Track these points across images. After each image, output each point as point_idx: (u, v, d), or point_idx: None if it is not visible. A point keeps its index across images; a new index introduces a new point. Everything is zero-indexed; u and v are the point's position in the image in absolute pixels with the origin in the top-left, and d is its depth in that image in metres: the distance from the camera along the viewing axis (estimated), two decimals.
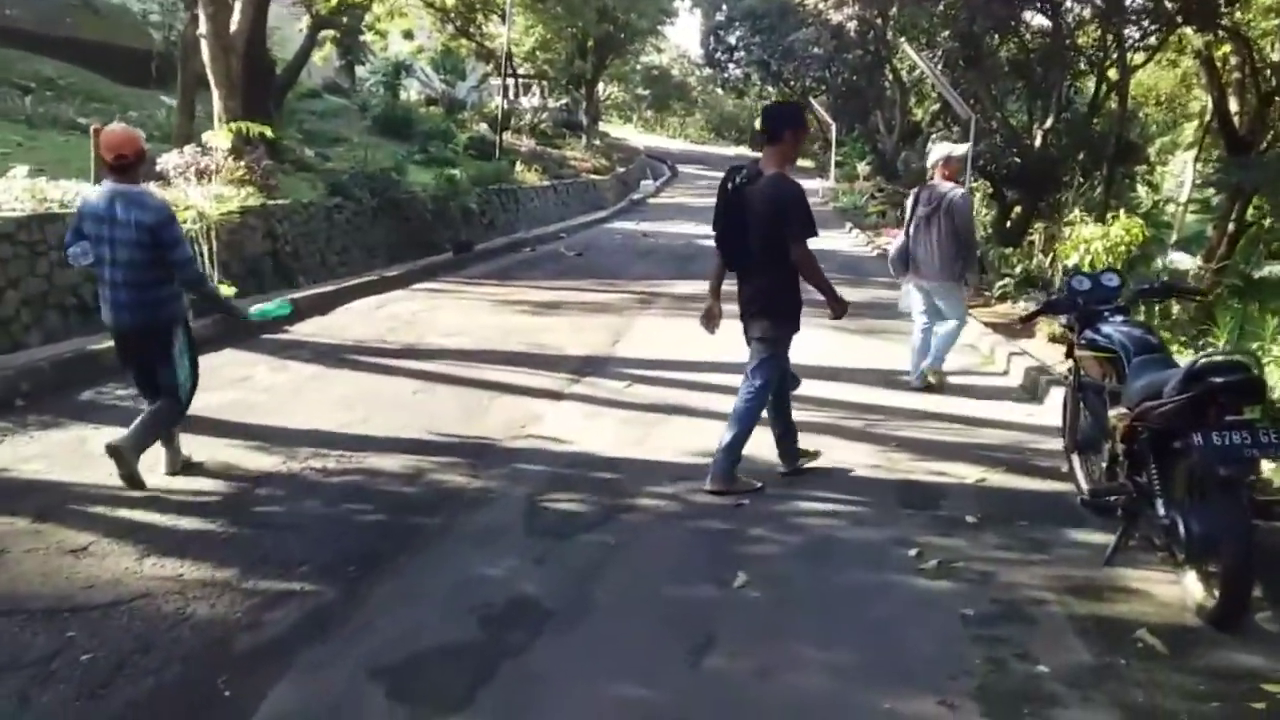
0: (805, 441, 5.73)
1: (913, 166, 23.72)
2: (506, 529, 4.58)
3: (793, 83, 39.16)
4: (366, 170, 15.73)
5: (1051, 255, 13.10)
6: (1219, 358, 4.33)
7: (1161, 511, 3.99)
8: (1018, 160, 15.42)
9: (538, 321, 10.14)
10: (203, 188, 11.71)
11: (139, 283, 4.85)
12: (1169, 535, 3.94)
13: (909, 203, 8.00)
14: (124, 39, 22.49)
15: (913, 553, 4.42)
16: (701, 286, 12.69)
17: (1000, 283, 13.61)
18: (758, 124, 5.41)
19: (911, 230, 7.80)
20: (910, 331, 8.26)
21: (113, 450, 4.73)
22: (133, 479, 4.78)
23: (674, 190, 37.10)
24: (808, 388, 7.48)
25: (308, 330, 9.18)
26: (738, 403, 5.44)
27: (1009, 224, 16.80)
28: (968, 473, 5.54)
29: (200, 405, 5.63)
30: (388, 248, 14.67)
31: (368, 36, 33.31)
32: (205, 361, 6.08)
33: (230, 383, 6.96)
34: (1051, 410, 6.91)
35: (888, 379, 8.03)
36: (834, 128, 36.67)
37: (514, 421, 6.24)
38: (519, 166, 23.74)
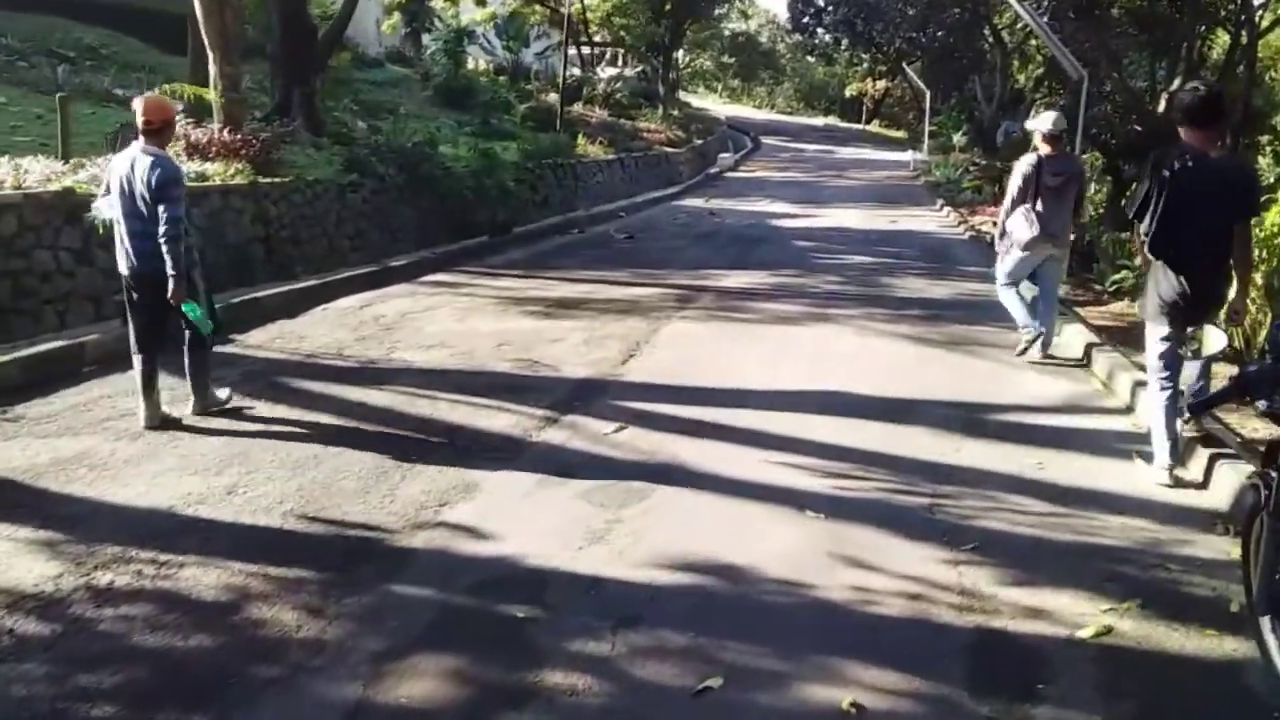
0: (833, 532, 3.88)
1: (1013, 136, 21.22)
2: None
3: (885, 47, 36.55)
4: (395, 143, 14.21)
5: None
6: None
7: None
8: (1138, 128, 13.05)
9: (545, 327, 8.42)
10: (193, 164, 10.34)
11: (150, 233, 5.22)
12: None
13: (1029, 172, 7.62)
14: (173, 5, 21.49)
15: None
16: (758, 278, 10.96)
17: (1115, 276, 11.37)
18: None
19: (1043, 199, 7.59)
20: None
21: (197, 409, 5.53)
22: (209, 408, 5.61)
23: (755, 163, 35.02)
24: (863, 434, 5.64)
25: (258, 340, 7.63)
26: None
27: (1125, 203, 14.45)
28: (1081, 611, 3.62)
29: (28, 460, 4.71)
30: (417, 230, 13.12)
31: (437, 2, 32.10)
32: (89, 392, 5.99)
33: (95, 423, 5.41)
34: (1201, 476, 4.93)
35: (973, 419, 6.10)
36: (928, 95, 34.02)
37: (430, 498, 4.52)
38: (582, 139, 22.08)
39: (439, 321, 8.50)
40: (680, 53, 46.22)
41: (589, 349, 7.66)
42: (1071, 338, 8.60)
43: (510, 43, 27.88)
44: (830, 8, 37.73)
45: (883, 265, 13.39)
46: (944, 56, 32.69)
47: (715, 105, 55.50)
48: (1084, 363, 7.81)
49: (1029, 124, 8.86)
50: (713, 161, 32.65)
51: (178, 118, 6.96)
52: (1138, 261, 11.49)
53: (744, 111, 57.74)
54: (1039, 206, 7.54)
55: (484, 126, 20.12)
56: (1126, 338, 9.07)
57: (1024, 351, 7.72)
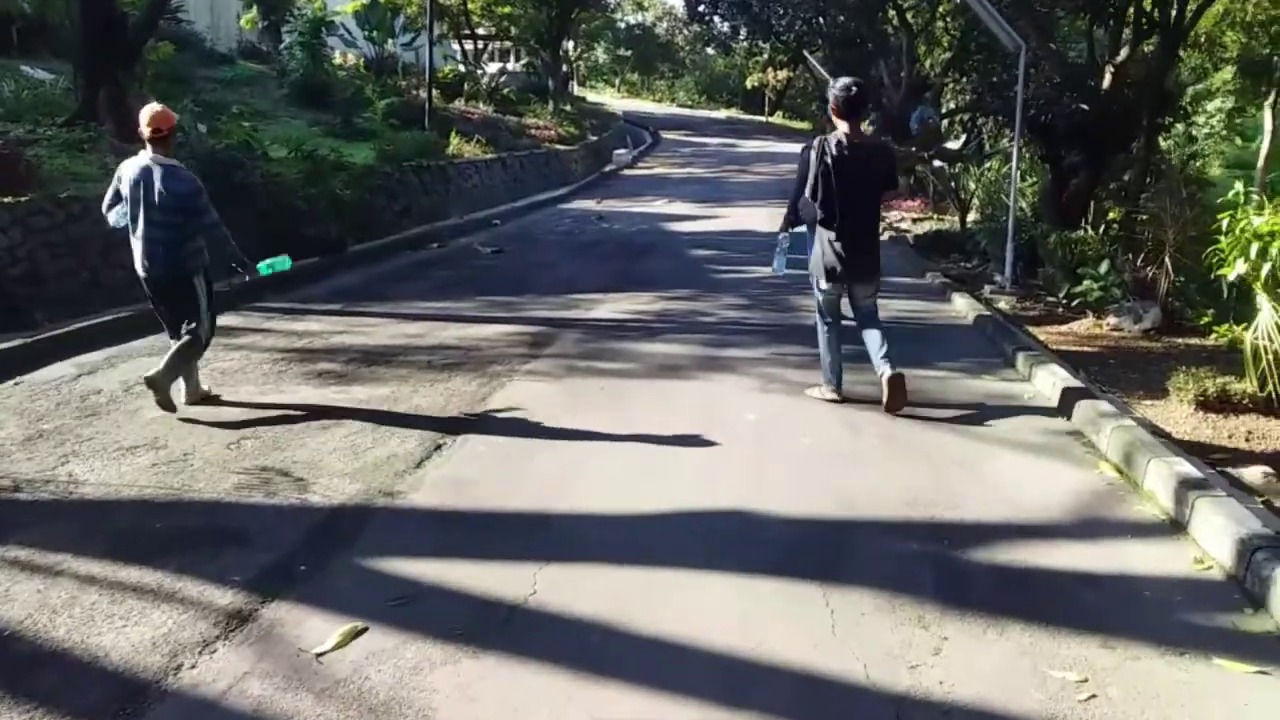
0: None
1: (929, 123, 19.31)
2: None
3: (783, 35, 34.54)
4: (200, 146, 11.55)
5: (1159, 258, 8.79)
6: None
7: None
8: (1083, 107, 11.04)
9: (325, 402, 5.94)
10: None
11: (169, 241, 5.49)
12: None
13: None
14: None
15: None
16: (639, 303, 8.46)
17: (1076, 286, 9.30)
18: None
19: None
20: None
21: (149, 381, 5.44)
22: (167, 404, 5.52)
23: (654, 159, 32.76)
24: (773, 622, 3.27)
25: None
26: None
27: (1065, 196, 12.47)
28: None
29: None
30: (242, 250, 10.44)
31: None
32: None
33: None
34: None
35: (945, 566, 3.84)
36: (831, 83, 32.16)
37: None
38: (455, 138, 19.60)
39: (173, 398, 5.93)
40: (571, 45, 43.76)
41: (374, 441, 5.20)
42: (1042, 381, 6.46)
43: (373, 34, 25.03)
44: None
45: (790, 278, 11.16)
46: (846, 42, 30.78)
47: (613, 100, 53.10)
48: (1059, 411, 5.66)
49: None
50: (608, 159, 30.35)
51: None
52: (1103, 269, 9.54)
53: (644, 106, 55.35)
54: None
55: (345, 126, 17.65)
56: (1112, 371, 6.96)
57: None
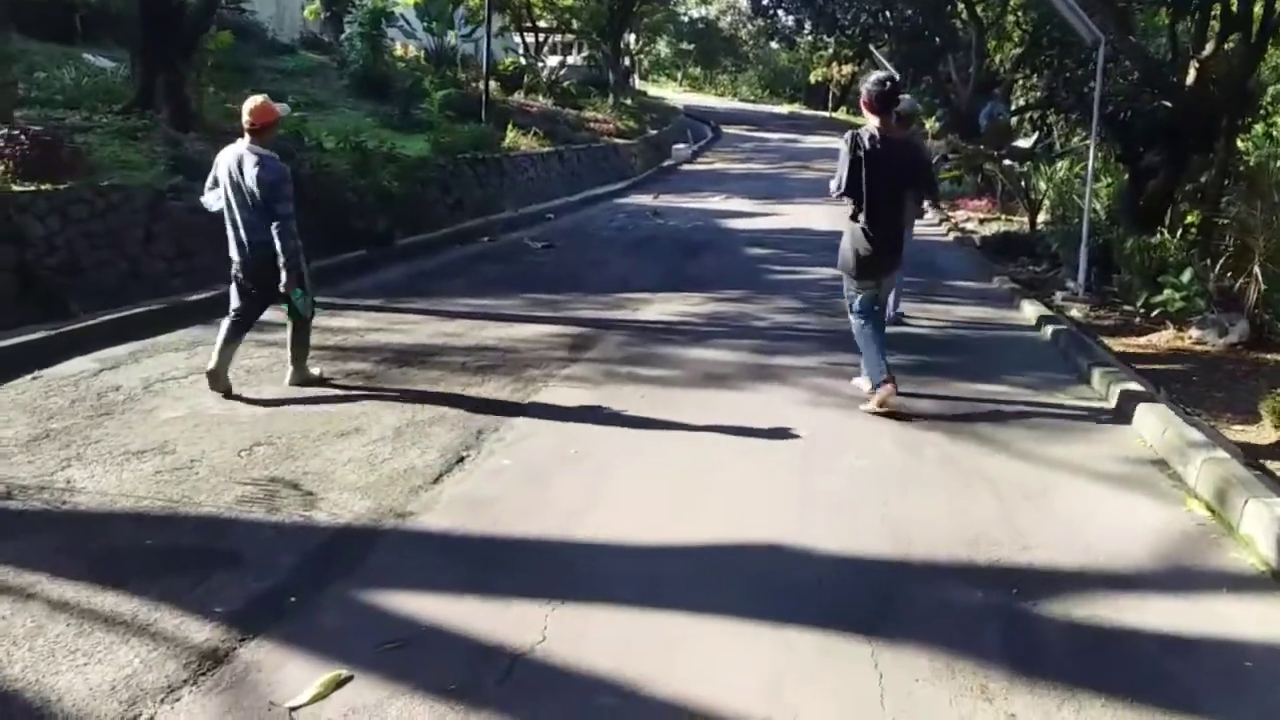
0: None
1: (1000, 120, 18.56)
2: None
3: (849, 29, 33.75)
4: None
5: (1246, 266, 8.15)
6: None
7: None
8: (1166, 105, 10.35)
9: (350, 405, 5.62)
10: None
11: (258, 226, 5.67)
12: None
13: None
14: None
15: None
16: (689, 305, 8.54)
17: (1156, 296, 8.68)
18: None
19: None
20: None
21: (294, 380, 5.98)
22: (308, 379, 6.03)
23: (713, 155, 32.25)
24: (817, 696, 2.83)
25: None
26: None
27: (1142, 198, 11.76)
28: None
29: None
30: None
31: None
32: None
33: None
34: None
35: (1020, 626, 3.37)
36: (898, 79, 31.39)
37: None
38: (512, 130, 19.34)
39: (192, 398, 5.67)
40: (632, 38, 43.36)
41: (393, 451, 4.86)
42: (1121, 401, 5.92)
43: (433, 25, 24.84)
44: None
45: None
46: (913, 37, 29.94)
47: (674, 94, 52.57)
48: (1140, 436, 5.12)
49: None
50: (668, 153, 29.92)
51: None
52: (1185, 277, 8.89)
53: (706, 100, 54.73)
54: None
55: (403, 117, 17.50)
56: (1196, 389, 6.39)
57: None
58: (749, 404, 5.93)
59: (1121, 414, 5.85)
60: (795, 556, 3.82)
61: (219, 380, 5.75)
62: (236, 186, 5.67)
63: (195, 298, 8.26)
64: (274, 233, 5.63)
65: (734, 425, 5.47)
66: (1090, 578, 3.72)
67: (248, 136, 5.68)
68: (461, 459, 4.81)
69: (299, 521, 4.02)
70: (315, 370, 6.18)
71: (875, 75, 6.06)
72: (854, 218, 5.83)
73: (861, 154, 5.65)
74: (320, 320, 7.75)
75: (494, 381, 6.19)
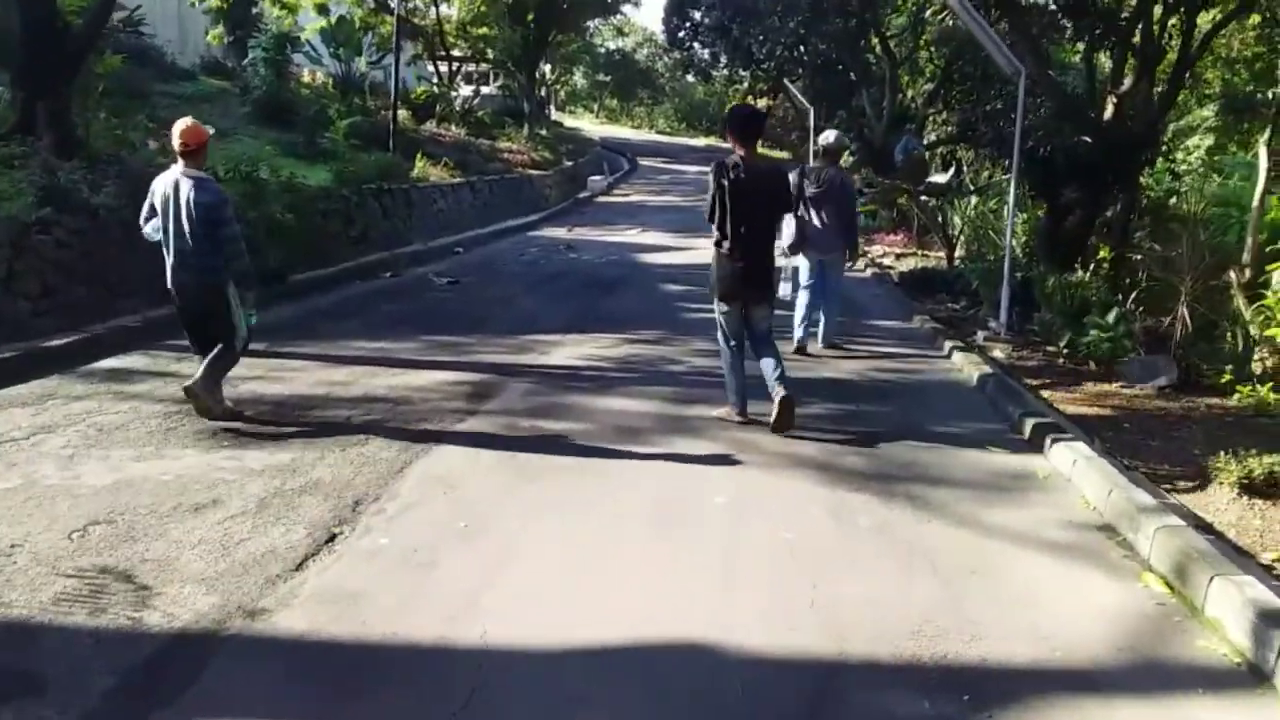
0: None
1: (914, 154, 18.53)
2: None
3: (765, 63, 33.87)
4: (131, 165, 10.73)
5: (1174, 306, 7.94)
6: None
7: None
8: (1086, 140, 10.21)
9: (212, 469, 4.97)
10: None
11: (198, 251, 5.61)
12: None
13: (795, 183, 7.98)
14: None
15: None
16: (601, 347, 8.65)
17: (1083, 337, 8.44)
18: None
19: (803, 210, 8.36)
20: None
21: (188, 391, 5.62)
22: (209, 411, 5.68)
23: (630, 186, 32.04)
24: None
25: None
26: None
27: (1059, 234, 11.64)
28: None
29: None
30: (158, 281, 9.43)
31: (267, 8, 28.20)
32: None
33: None
34: None
35: (965, 699, 2.89)
36: (812, 113, 31.43)
37: None
38: (421, 161, 18.79)
39: (28, 465, 4.92)
40: (548, 68, 43.00)
41: (253, 529, 4.21)
42: (1058, 457, 5.57)
43: (340, 51, 24.06)
44: (703, 13, 34.79)
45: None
46: (828, 71, 30.15)
47: (591, 126, 52.45)
48: (1082, 497, 4.74)
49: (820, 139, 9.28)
50: (584, 185, 29.55)
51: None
52: (1111, 318, 8.67)
53: (622, 132, 54.69)
54: (809, 216, 8.45)
55: (308, 146, 16.73)
56: (1130, 438, 6.09)
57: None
58: (664, 464, 5.41)
59: (1059, 472, 5.47)
60: (716, 658, 3.29)
61: (200, 400, 5.68)
62: (175, 213, 5.59)
63: (57, 342, 7.48)
64: (226, 253, 5.62)
65: (648, 489, 4.95)
66: (1049, 676, 3.27)
67: (180, 161, 5.64)
68: (333, 537, 4.19)
69: (125, 627, 3.35)
70: (226, 402, 5.95)
71: (739, 106, 6.34)
72: (718, 244, 6.00)
73: (726, 183, 5.83)
74: (195, 367, 7.06)
75: (379, 440, 5.56)
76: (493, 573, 3.89)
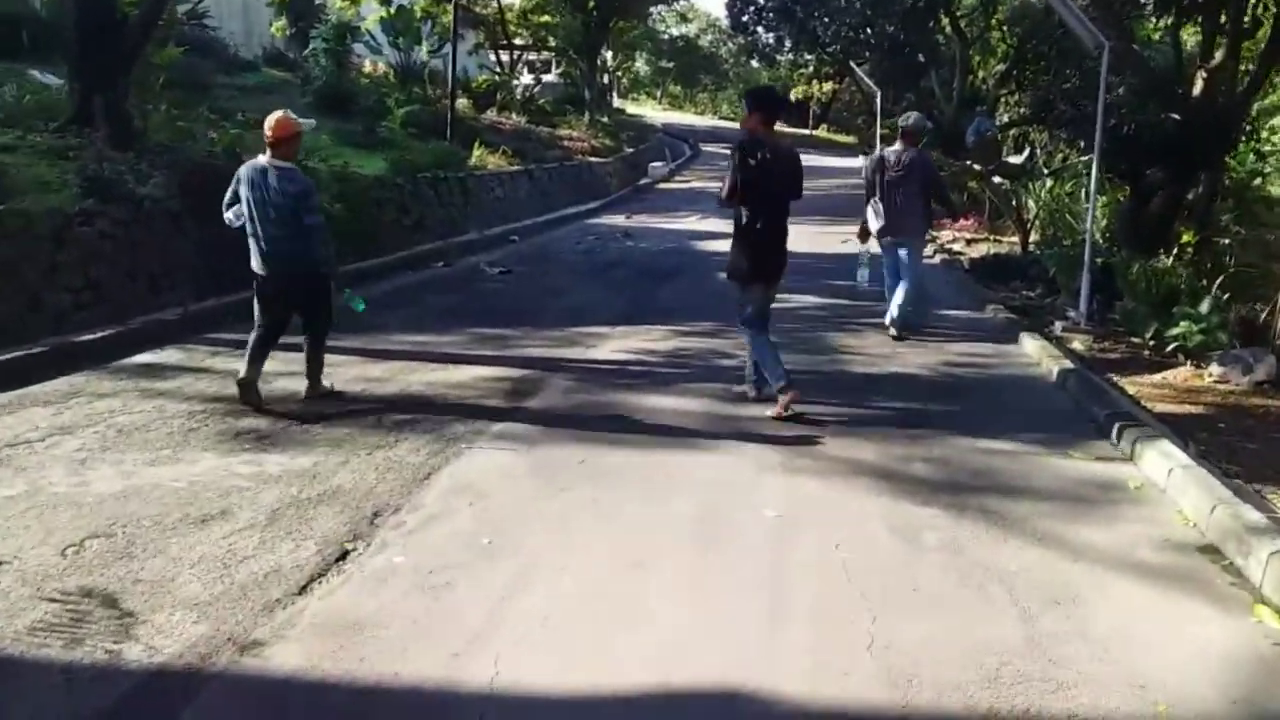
0: None
1: (986, 135, 17.77)
2: None
3: (830, 46, 33.04)
4: (181, 153, 10.64)
5: (1273, 295, 7.27)
6: None
7: None
8: (1174, 117, 9.49)
9: (228, 475, 4.66)
10: None
11: (287, 236, 5.75)
12: None
13: (870, 168, 8.59)
14: None
15: None
16: (651, 340, 8.31)
17: (1171, 329, 7.80)
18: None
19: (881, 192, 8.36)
20: None
21: (310, 394, 6.07)
22: (321, 395, 6.08)
23: (691, 173, 31.48)
24: None
25: None
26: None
27: (1142, 217, 10.91)
28: None
29: None
30: (204, 274, 9.25)
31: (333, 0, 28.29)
32: None
33: None
34: None
35: None
36: (879, 96, 30.60)
37: None
38: (479, 149, 18.57)
39: (36, 470, 4.66)
40: (610, 55, 42.57)
41: (260, 545, 3.88)
42: (1151, 465, 5.00)
43: (399, 40, 23.93)
44: (771, 5, 34.04)
45: (832, 310, 9.76)
46: (894, 51, 29.25)
47: (654, 112, 51.89)
48: (1182, 512, 4.19)
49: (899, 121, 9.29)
50: (645, 172, 29.13)
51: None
52: (1204, 307, 8.01)
53: (685, 118, 53.99)
54: (890, 199, 8.33)
55: (367, 135, 16.63)
56: (1226, 439, 5.50)
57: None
58: (711, 470, 4.97)
59: (1152, 482, 4.92)
60: (756, 709, 2.86)
61: (250, 392, 5.82)
62: (261, 201, 5.74)
63: (88, 337, 7.27)
64: (311, 241, 5.77)
65: (691, 501, 4.52)
66: None
67: (269, 151, 5.83)
68: (345, 554, 3.84)
69: (101, 662, 3.02)
70: (327, 383, 6.24)
71: (755, 86, 6.01)
72: (747, 226, 5.99)
73: (753, 162, 5.87)
74: (227, 363, 6.84)
75: (409, 442, 5.22)
76: (511, 599, 3.50)
